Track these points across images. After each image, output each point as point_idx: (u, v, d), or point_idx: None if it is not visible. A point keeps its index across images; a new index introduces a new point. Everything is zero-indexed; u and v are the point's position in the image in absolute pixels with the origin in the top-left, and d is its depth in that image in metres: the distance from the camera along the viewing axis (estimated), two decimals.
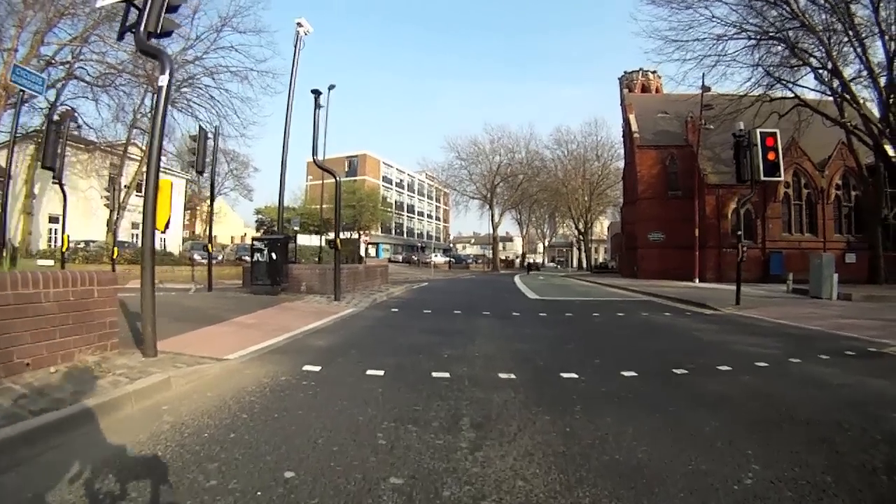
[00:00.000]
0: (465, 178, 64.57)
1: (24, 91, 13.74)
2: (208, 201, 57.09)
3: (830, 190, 29.84)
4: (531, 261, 68.97)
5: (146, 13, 6.02)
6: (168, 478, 2.81)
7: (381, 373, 5.45)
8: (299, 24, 17.28)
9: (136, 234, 35.77)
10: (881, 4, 20.28)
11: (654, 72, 45.76)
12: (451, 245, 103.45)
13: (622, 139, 44.94)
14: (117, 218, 27.77)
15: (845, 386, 5.35)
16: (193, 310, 10.50)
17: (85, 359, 5.25)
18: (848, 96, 23.04)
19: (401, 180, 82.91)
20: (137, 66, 25.12)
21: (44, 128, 16.19)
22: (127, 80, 25.77)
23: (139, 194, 35.97)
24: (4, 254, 15.20)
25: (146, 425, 3.71)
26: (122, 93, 26.34)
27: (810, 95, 25.74)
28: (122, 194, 29.30)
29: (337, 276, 13.61)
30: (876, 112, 23.69)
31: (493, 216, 63.74)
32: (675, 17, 25.51)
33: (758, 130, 13.69)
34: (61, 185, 14.92)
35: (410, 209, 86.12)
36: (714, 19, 23.84)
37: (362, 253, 50.57)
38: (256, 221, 61.34)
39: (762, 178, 13.45)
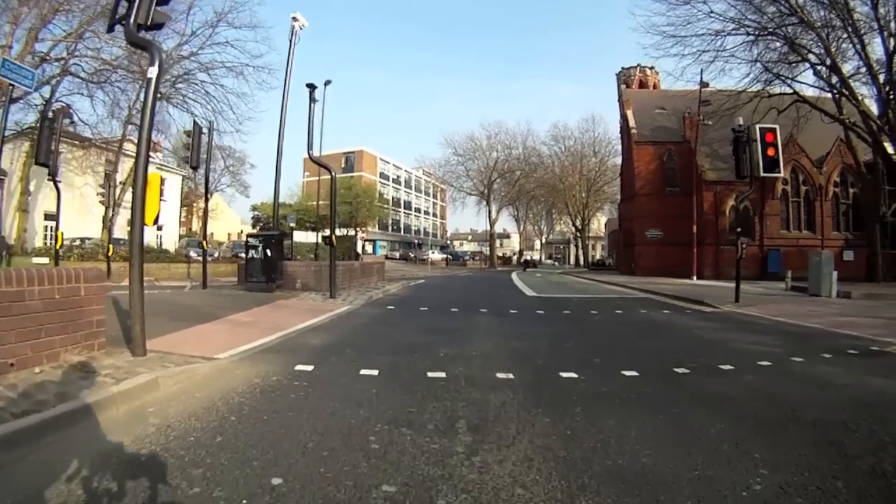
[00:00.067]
0: (461, 174, 64.36)
1: (13, 86, 13.53)
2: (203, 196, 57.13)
3: (828, 187, 29.78)
4: (528, 257, 68.74)
5: (136, 5, 5.90)
6: (150, 485, 2.67)
7: (376, 372, 5.31)
8: (294, 19, 17.16)
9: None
10: (880, 1, 20.16)
11: (651, 68, 45.67)
12: (449, 242, 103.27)
13: (619, 135, 44.81)
14: (113, 215, 27.50)
15: (850, 385, 5.25)
16: (187, 308, 10.35)
17: (71, 359, 5.11)
18: (847, 93, 22.90)
19: (398, 177, 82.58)
20: (132, 62, 24.86)
21: (38, 124, 15.99)
22: (122, 75, 25.54)
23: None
24: (4, 253, 15.08)
25: (130, 428, 3.57)
26: (118, 89, 26.13)
27: (809, 92, 25.63)
28: (118, 191, 29.05)
29: (332, 273, 13.46)
30: (874, 109, 23.57)
31: (490, 213, 63.55)
32: (673, 13, 25.35)
33: (757, 126, 13.57)
34: (55, 182, 14.77)
35: (407, 206, 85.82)
36: (712, 14, 23.69)
37: (359, 250, 50.47)
38: (253, 218, 61.02)
39: (762, 174, 13.35)
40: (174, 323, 8.08)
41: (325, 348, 6.78)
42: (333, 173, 14.24)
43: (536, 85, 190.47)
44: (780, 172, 13.96)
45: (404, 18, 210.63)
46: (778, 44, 24.15)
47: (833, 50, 22.32)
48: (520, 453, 3.19)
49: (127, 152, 30.14)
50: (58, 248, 16.37)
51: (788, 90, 25.04)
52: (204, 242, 18.01)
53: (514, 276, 35.47)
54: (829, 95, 24.99)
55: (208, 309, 10.16)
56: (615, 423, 3.81)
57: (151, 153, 35.01)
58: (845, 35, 21.96)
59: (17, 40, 22.85)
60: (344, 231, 51.42)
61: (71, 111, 26.00)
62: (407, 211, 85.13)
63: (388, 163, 79.11)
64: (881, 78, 21.49)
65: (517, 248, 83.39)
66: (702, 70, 25.81)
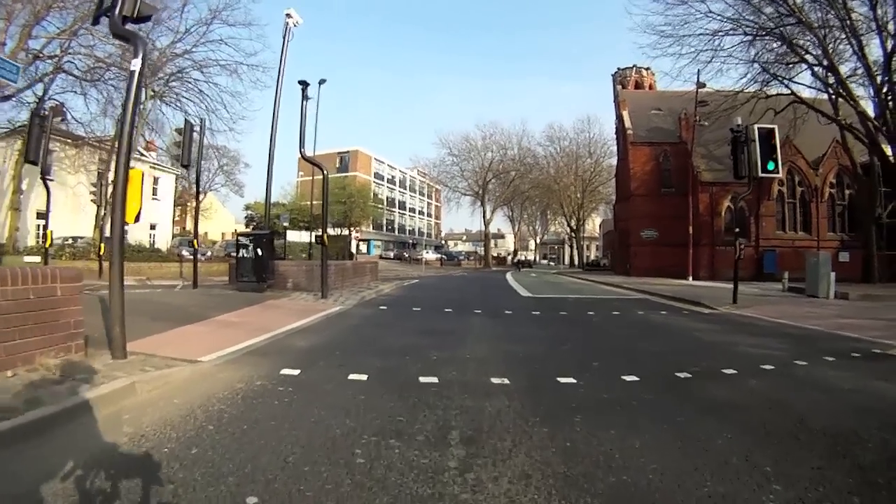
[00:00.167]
0: (456, 174, 64.19)
1: None
2: (199, 196, 56.85)
3: (824, 188, 29.71)
4: (522, 258, 68.59)
5: None
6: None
7: (365, 377, 5.06)
8: (288, 15, 16.99)
9: (124, 230, 35.16)
10: (879, 1, 20.05)
11: (647, 68, 45.61)
12: (443, 242, 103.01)
13: (615, 136, 44.68)
14: (104, 214, 27.19)
15: (856, 391, 5.09)
16: (175, 308, 10.15)
17: (47, 362, 4.85)
18: (844, 94, 22.81)
19: (392, 176, 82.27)
20: (126, 60, 24.52)
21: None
22: (116, 73, 25.23)
23: None
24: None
25: (102, 438, 3.35)
26: (111, 87, 25.85)
27: (805, 93, 25.60)
28: (110, 190, 28.70)
29: (324, 272, 13.21)
30: (871, 110, 23.52)
31: (484, 213, 63.41)
32: (670, 12, 25.21)
33: (755, 126, 13.44)
34: (45, 180, 14.67)
35: (402, 206, 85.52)
36: (710, 14, 23.58)
37: (353, 249, 50.18)
38: (246, 217, 60.68)
39: (760, 174, 13.21)
40: (160, 323, 7.86)
41: (314, 351, 6.54)
42: (325, 172, 14.04)
43: (533, 84, 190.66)
44: (778, 173, 13.81)
45: (403, 18, 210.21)
46: (776, 44, 24.09)
47: (830, 51, 22.23)
48: (516, 469, 2.95)
49: None
50: (47, 246, 16.08)
51: (785, 91, 24.96)
52: (195, 241, 17.70)
53: (508, 276, 35.32)
54: (825, 97, 24.94)
55: (196, 309, 9.93)
56: (617, 433, 3.59)
57: (146, 152, 35.00)
58: (843, 36, 21.90)
59: (10, 37, 22.54)
60: (338, 231, 51.17)
61: (64, 109, 25.80)
62: (401, 211, 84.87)
63: (383, 163, 78.83)
64: (878, 79, 21.38)
65: (512, 249, 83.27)
66: (699, 71, 25.74)
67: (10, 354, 4.53)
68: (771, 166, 13.05)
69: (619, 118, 38.98)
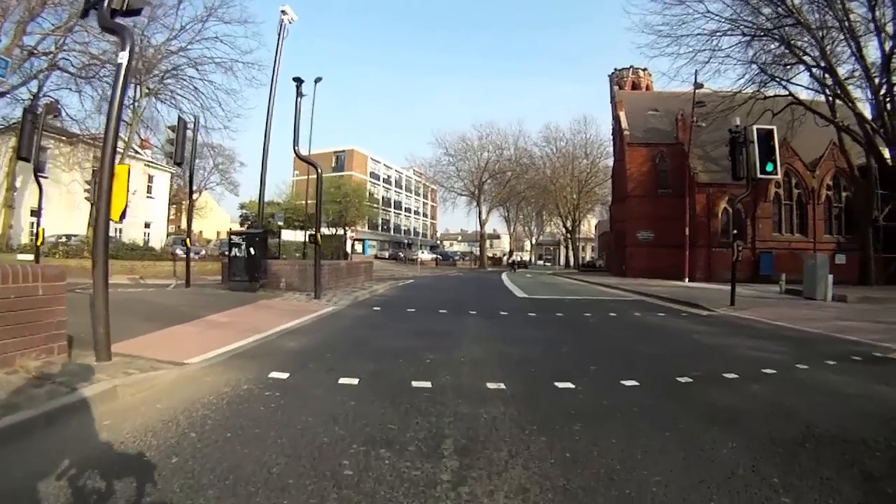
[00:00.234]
0: (452, 174, 64.00)
1: None
2: (194, 194, 56.63)
3: (821, 190, 29.69)
4: (517, 258, 68.42)
5: None
6: None
7: (356, 381, 4.88)
8: (283, 12, 16.83)
9: (119, 229, 35.15)
10: (878, 2, 19.99)
11: (644, 69, 45.56)
12: (439, 242, 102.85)
13: (612, 136, 44.66)
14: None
15: (860, 396, 4.97)
16: (165, 307, 10.02)
17: (27, 364, 4.68)
18: (842, 96, 22.76)
19: (388, 176, 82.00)
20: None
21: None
22: (110, 70, 24.99)
23: None
24: None
25: (78, 445, 3.18)
26: (106, 84, 25.61)
27: (803, 95, 25.56)
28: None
29: (317, 272, 13.04)
30: (868, 112, 23.48)
31: (480, 213, 63.23)
32: (668, 12, 25.13)
33: (754, 127, 13.37)
34: (37, 177, 14.59)
35: (398, 205, 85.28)
36: (708, 14, 23.54)
37: (348, 249, 49.96)
38: (241, 216, 60.47)
39: (758, 175, 13.12)
40: (148, 324, 7.72)
41: (304, 353, 6.36)
42: (319, 170, 13.87)
43: (532, 84, 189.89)
44: (777, 174, 13.71)
45: (403, 17, 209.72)
46: (773, 45, 24.06)
47: (828, 52, 22.18)
48: (513, 482, 2.78)
49: None
50: (39, 244, 15.84)
51: (783, 92, 24.95)
52: (187, 240, 17.52)
53: (504, 276, 35.19)
54: (822, 99, 24.92)
55: (187, 309, 9.78)
56: (618, 442, 3.43)
57: (141, 150, 34.77)
58: (841, 37, 21.85)
59: (4, 33, 22.49)
60: (333, 230, 50.97)
61: (59, 106, 25.58)
62: (397, 211, 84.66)
63: (379, 162, 78.60)
64: (876, 81, 21.33)
65: (508, 249, 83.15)
66: (696, 71, 25.70)
67: None
68: (770, 167, 12.96)
69: (616, 119, 38.94)
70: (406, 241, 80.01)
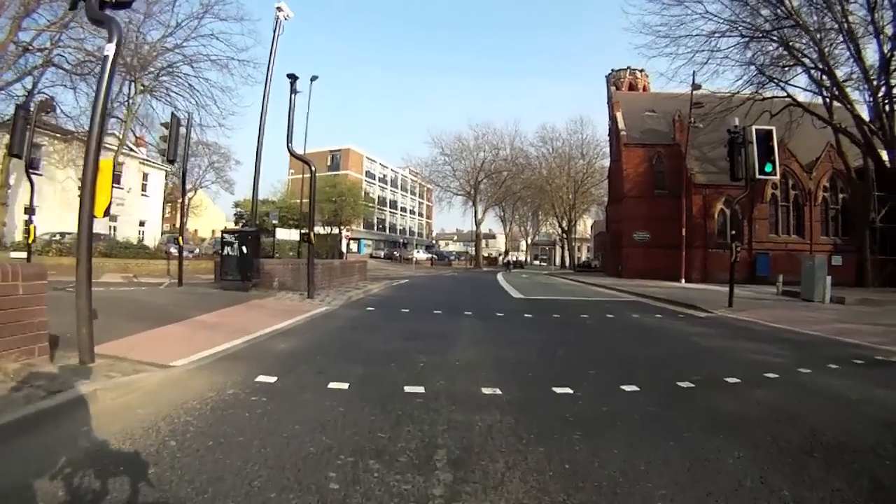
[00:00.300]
0: (448, 174, 63.74)
1: None
2: (189, 193, 56.40)
3: (818, 192, 29.67)
4: (512, 258, 68.22)
5: None
6: None
7: (346, 386, 4.70)
8: (279, 9, 16.71)
9: (113, 227, 34.99)
10: (877, 4, 19.91)
11: (641, 70, 45.48)
12: (434, 241, 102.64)
13: (608, 137, 44.55)
14: None
15: (865, 401, 4.85)
16: (155, 307, 9.82)
17: (6, 366, 4.50)
18: (840, 97, 22.69)
19: (384, 175, 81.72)
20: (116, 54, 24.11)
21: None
22: None
23: (117, 185, 35.20)
24: None
25: (53, 453, 2.99)
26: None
27: (800, 96, 25.58)
28: None
29: (310, 271, 12.85)
30: (865, 114, 23.41)
31: (476, 213, 63.05)
32: (667, 12, 25.04)
33: (753, 127, 13.27)
34: (29, 174, 14.38)
35: (393, 205, 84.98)
36: (707, 15, 23.46)
37: (343, 248, 49.68)
38: (235, 215, 60.05)
39: (757, 175, 13.02)
40: (136, 323, 7.53)
41: (294, 355, 6.17)
42: (312, 168, 13.69)
43: (531, 84, 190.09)
44: (776, 175, 13.60)
45: (403, 17, 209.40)
46: (771, 47, 24.04)
47: (827, 54, 22.11)
48: (510, 497, 2.60)
49: (108, 146, 29.45)
50: (30, 242, 15.58)
51: (780, 94, 24.92)
52: (180, 238, 17.28)
53: (499, 276, 35.05)
54: (819, 101, 24.87)
55: (176, 308, 9.59)
56: (620, 452, 3.26)
57: (136, 147, 34.49)
58: (840, 39, 21.78)
59: (0, 29, 22.08)
60: (328, 229, 50.71)
61: (54, 103, 25.35)
62: (392, 210, 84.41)
63: (375, 161, 78.34)
64: (875, 83, 21.25)
65: (503, 249, 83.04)
66: (694, 72, 25.63)
67: None
68: (769, 168, 12.86)
69: (613, 119, 38.83)
70: (402, 240, 79.85)
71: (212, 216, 65.62)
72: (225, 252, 13.91)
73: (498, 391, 4.69)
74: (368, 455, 3.10)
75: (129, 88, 27.55)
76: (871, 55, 21.79)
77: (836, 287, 16.51)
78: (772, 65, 24.26)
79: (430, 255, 68.28)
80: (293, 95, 13.49)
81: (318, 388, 4.63)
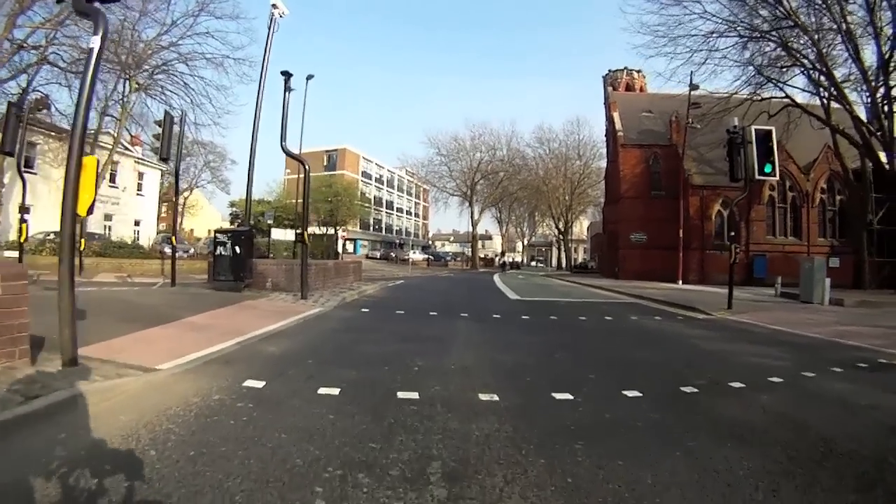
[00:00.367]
0: (444, 174, 63.49)
1: None
2: (185, 193, 56.13)
3: (815, 194, 29.68)
4: (508, 259, 68.09)
5: None
6: None
7: (337, 391, 4.50)
8: (274, 6, 16.48)
9: (108, 226, 34.77)
10: (877, 5, 19.82)
11: (639, 71, 45.44)
12: (430, 242, 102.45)
13: (605, 138, 44.47)
14: None
15: (874, 407, 4.72)
16: (146, 307, 9.67)
17: None
18: (838, 98, 22.59)
19: (380, 176, 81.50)
20: (109, 51, 23.97)
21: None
22: (102, 66, 24.50)
23: (112, 185, 35.00)
24: None
25: (23, 462, 2.82)
26: (98, 80, 25.06)
27: (798, 98, 25.44)
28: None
29: (304, 272, 12.65)
30: (862, 115, 23.33)
31: (472, 214, 62.85)
32: (665, 12, 24.91)
33: (752, 128, 13.15)
34: (21, 172, 14.45)
35: (389, 205, 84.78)
36: (706, 14, 23.34)
37: (339, 249, 49.50)
38: (231, 214, 59.74)
39: (756, 176, 12.91)
40: (125, 325, 7.35)
41: (284, 359, 5.97)
42: (307, 167, 13.49)
43: (527, 85, 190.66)
44: (775, 176, 13.47)
45: (403, 17, 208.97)
46: (769, 48, 23.95)
47: (825, 55, 22.01)
48: None
49: (103, 144, 29.27)
50: (22, 241, 15.38)
51: (778, 95, 24.82)
52: (173, 238, 17.07)
53: (496, 277, 34.89)
54: (817, 102, 24.78)
55: (167, 309, 9.40)
56: (625, 464, 3.08)
57: (131, 146, 34.24)
58: (838, 40, 21.70)
59: None
60: (324, 230, 50.52)
61: (49, 101, 25.10)
62: (389, 210, 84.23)
63: (371, 161, 78.13)
64: (873, 84, 21.16)
65: (500, 250, 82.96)
66: (692, 73, 25.50)
67: None
68: (768, 169, 12.77)
69: (610, 120, 38.74)
70: (398, 241, 79.56)
71: (208, 216, 65.27)
72: (218, 252, 13.71)
73: (495, 397, 4.51)
74: (358, 468, 2.91)
75: (124, 86, 27.35)
76: (868, 56, 21.76)
77: (833, 289, 16.41)
78: (770, 65, 24.17)
79: (426, 256, 68.06)
80: (287, 93, 13.33)
81: (307, 394, 4.43)
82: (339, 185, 58.46)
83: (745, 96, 24.22)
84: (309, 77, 29.63)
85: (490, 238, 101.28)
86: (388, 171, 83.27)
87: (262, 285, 14.09)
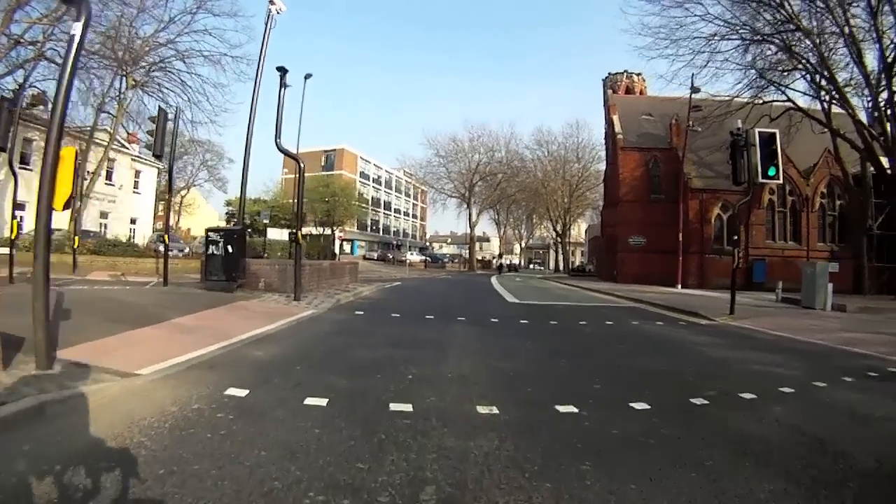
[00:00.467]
0: (443, 175, 63.38)
1: None
2: (182, 191, 55.82)
3: (815, 198, 29.52)
4: (505, 261, 67.82)
5: None
6: None
7: (324, 402, 4.19)
8: (271, 2, 16.19)
9: (104, 224, 34.46)
10: (880, 9, 19.63)
11: (638, 74, 45.22)
12: (428, 244, 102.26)
13: (604, 141, 44.26)
14: (80, 206, 26.21)
15: (888, 419, 4.59)
16: (135, 307, 9.35)
17: None
18: (840, 102, 22.42)
19: (378, 176, 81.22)
20: (105, 47, 23.76)
21: None
22: (98, 62, 24.40)
23: (108, 182, 34.71)
24: None
25: None
26: (94, 76, 25.03)
27: (799, 101, 25.29)
28: (87, 182, 27.79)
29: (297, 272, 12.34)
30: (864, 119, 23.16)
31: (470, 215, 62.71)
32: (666, 13, 24.72)
33: (756, 130, 12.90)
34: (12, 168, 14.13)
35: (387, 206, 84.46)
36: (707, 16, 23.17)
37: (336, 249, 49.20)
38: (227, 213, 59.47)
39: (760, 179, 12.69)
40: (109, 325, 7.07)
41: (271, 364, 5.68)
42: (301, 164, 13.22)
43: (527, 86, 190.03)
44: (779, 179, 13.23)
45: (403, 17, 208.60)
46: (770, 51, 23.82)
47: (827, 58, 21.84)
48: None
49: (98, 141, 29.00)
50: (13, 238, 15.03)
51: (779, 98, 24.68)
52: (165, 236, 16.75)
53: (493, 280, 34.65)
54: (818, 107, 24.63)
55: (156, 309, 9.10)
56: (638, 488, 2.80)
57: (128, 144, 33.98)
58: (840, 44, 21.56)
59: None
60: (321, 230, 50.21)
61: (45, 97, 24.88)
62: (386, 211, 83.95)
63: (369, 162, 77.85)
64: (875, 88, 20.98)
65: (497, 252, 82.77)
66: (693, 75, 25.25)
67: None
68: (772, 172, 12.58)
69: (609, 123, 38.53)
70: (395, 242, 79.33)
71: (205, 215, 64.98)
72: (210, 251, 13.39)
73: (495, 410, 4.21)
74: (343, 492, 2.61)
75: (121, 83, 27.12)
76: (870, 62, 21.58)
77: (834, 294, 16.17)
78: (771, 69, 24.00)
79: (423, 258, 67.80)
80: (282, 89, 13.05)
81: (293, 405, 4.14)
82: (337, 185, 58.15)
83: (746, 100, 24.01)
84: (307, 76, 29.41)
85: (488, 240, 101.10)
86: (387, 171, 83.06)
87: (255, 286, 13.80)
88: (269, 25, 16.19)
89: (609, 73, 46.74)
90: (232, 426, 3.56)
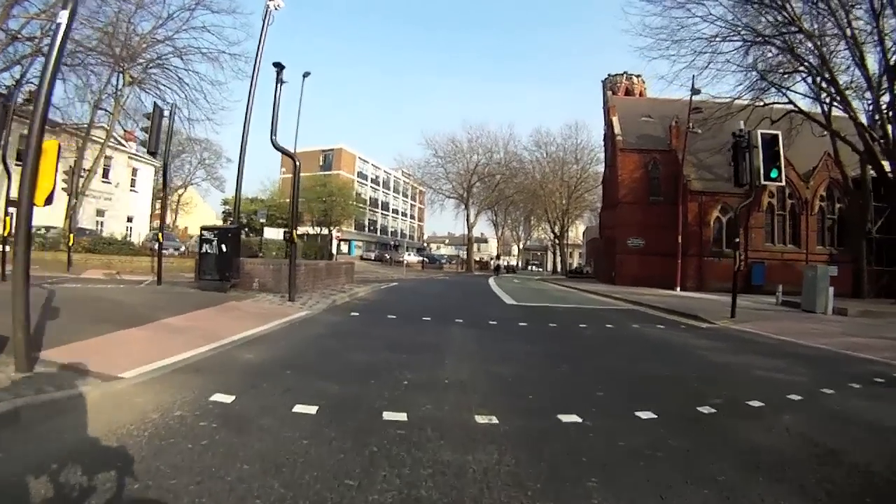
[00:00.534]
0: (441, 176, 63.07)
1: None
2: (179, 190, 55.57)
3: (815, 201, 29.45)
4: (502, 262, 67.57)
5: None
6: None
7: (314, 410, 3.98)
8: None
9: (100, 222, 34.23)
10: (881, 12, 19.51)
11: (638, 76, 45.14)
12: (426, 244, 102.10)
13: (603, 142, 44.12)
14: (75, 204, 25.96)
15: None
16: (126, 307, 9.15)
17: None
18: (841, 104, 22.30)
19: (376, 176, 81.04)
20: (103, 43, 23.54)
21: None
22: (96, 58, 24.22)
23: (105, 180, 34.48)
24: None
25: None
26: (91, 72, 24.84)
27: (800, 104, 25.15)
28: (83, 180, 27.57)
29: (292, 272, 12.14)
30: (864, 121, 23.03)
31: (468, 216, 62.43)
32: (668, 14, 24.58)
33: (758, 132, 12.77)
34: (5, 163, 13.76)
35: (385, 206, 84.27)
36: (710, 17, 23.01)
37: (333, 249, 48.99)
38: (223, 212, 59.27)
39: (762, 181, 12.54)
40: (99, 325, 6.88)
41: (261, 368, 5.47)
42: (297, 162, 13.01)
43: (527, 87, 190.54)
44: (781, 181, 13.08)
45: (403, 17, 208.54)
46: (771, 53, 23.71)
47: (828, 61, 21.72)
48: None
49: (95, 138, 28.77)
50: (5, 234, 14.84)
51: (780, 101, 24.52)
52: (160, 234, 16.54)
53: (491, 281, 34.45)
54: (818, 109, 24.53)
55: (146, 309, 8.89)
56: None
57: (125, 142, 33.75)
58: (842, 46, 21.44)
59: None
60: (319, 230, 49.99)
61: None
62: (384, 212, 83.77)
63: (367, 162, 77.71)
64: (878, 90, 20.85)
65: (495, 253, 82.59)
66: (694, 76, 25.09)
67: None
68: (774, 174, 12.47)
69: (609, 124, 38.40)
70: (393, 242, 79.11)
71: (202, 214, 64.77)
72: (203, 250, 13.19)
73: (494, 419, 4.00)
74: None
75: (118, 80, 26.91)
76: (871, 64, 21.44)
77: (834, 298, 16.03)
78: (772, 71, 23.87)
79: (421, 258, 67.59)
80: (279, 86, 12.86)
81: (280, 412, 3.93)
82: (335, 184, 58.00)
83: (746, 101, 23.87)
84: (305, 74, 29.24)
85: (486, 241, 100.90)
86: (385, 172, 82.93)
87: (249, 285, 13.59)
88: (266, 21, 16.02)
89: (609, 75, 46.64)
90: (215, 436, 3.36)
